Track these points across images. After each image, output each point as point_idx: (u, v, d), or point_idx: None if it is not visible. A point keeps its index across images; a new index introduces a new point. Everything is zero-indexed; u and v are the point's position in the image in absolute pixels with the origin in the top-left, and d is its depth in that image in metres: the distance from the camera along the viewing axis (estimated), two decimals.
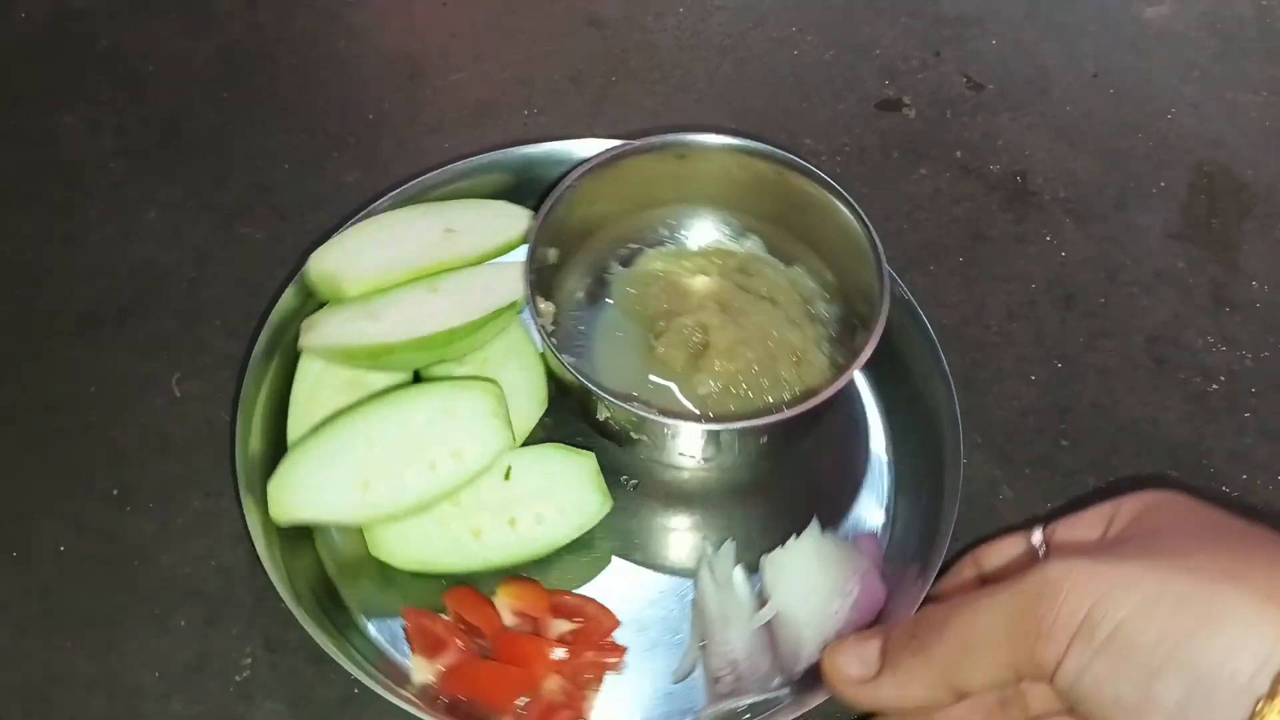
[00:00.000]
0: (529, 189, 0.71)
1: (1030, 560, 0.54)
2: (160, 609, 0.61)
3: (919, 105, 0.86)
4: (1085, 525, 0.52)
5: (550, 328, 0.62)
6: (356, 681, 0.56)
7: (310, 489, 0.57)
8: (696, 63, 0.88)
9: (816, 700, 0.53)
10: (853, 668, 0.48)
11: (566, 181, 0.65)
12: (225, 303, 0.73)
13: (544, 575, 0.61)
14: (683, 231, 0.71)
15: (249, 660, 0.59)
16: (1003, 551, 0.56)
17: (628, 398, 0.61)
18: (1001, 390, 0.71)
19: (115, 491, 0.65)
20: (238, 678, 0.59)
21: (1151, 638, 0.39)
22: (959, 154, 0.83)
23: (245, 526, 0.57)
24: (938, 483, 0.61)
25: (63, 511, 0.64)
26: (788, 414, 0.58)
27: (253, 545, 0.57)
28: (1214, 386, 0.72)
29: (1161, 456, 0.68)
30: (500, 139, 0.77)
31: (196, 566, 0.62)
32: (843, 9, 0.93)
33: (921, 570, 0.57)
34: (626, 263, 0.70)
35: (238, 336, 0.71)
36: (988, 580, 0.56)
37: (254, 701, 0.58)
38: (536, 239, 0.63)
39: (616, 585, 0.61)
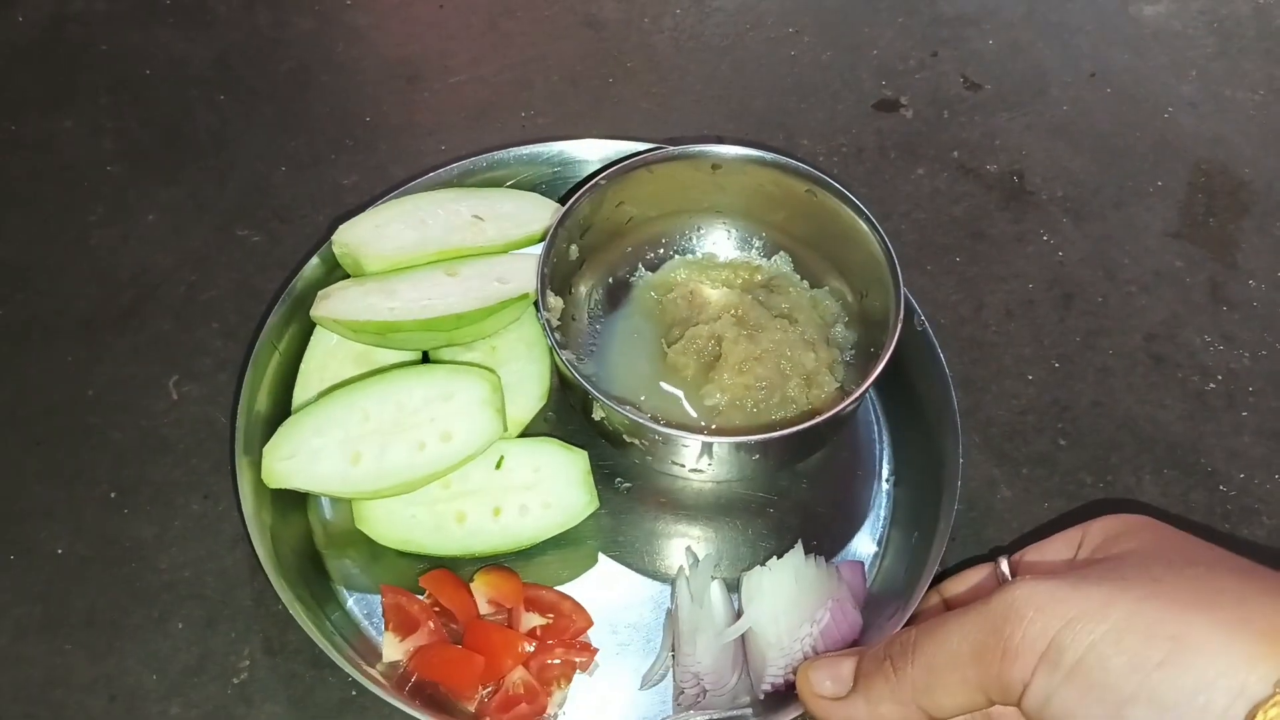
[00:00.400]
0: (564, 185, 0.72)
1: (995, 585, 0.54)
2: (159, 611, 0.61)
3: (917, 105, 0.86)
4: (1053, 550, 0.52)
5: (556, 323, 0.62)
6: (355, 684, 0.57)
7: (303, 456, 0.58)
8: (694, 64, 0.88)
9: None
10: (826, 685, 0.49)
11: (594, 180, 0.65)
12: (224, 305, 0.73)
13: (526, 567, 0.61)
14: (712, 242, 0.71)
15: (247, 663, 0.59)
16: (968, 580, 0.56)
17: (623, 401, 0.61)
18: (1000, 389, 0.71)
19: (114, 494, 0.65)
20: (236, 680, 0.59)
21: (1121, 665, 0.39)
22: (956, 154, 0.83)
23: (245, 528, 0.57)
24: (931, 523, 0.60)
25: (62, 514, 0.64)
26: (777, 434, 0.58)
27: (252, 548, 0.57)
28: (1212, 385, 0.71)
29: (1160, 455, 0.68)
30: (498, 141, 0.77)
31: (195, 569, 0.62)
32: (840, 10, 0.93)
33: (901, 606, 0.56)
34: (653, 268, 0.71)
35: (236, 339, 0.71)
36: (952, 606, 0.56)
37: (253, 704, 0.58)
38: (556, 233, 0.63)
39: (596, 585, 0.62)
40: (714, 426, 0.63)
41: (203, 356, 0.70)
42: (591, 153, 0.72)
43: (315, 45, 0.88)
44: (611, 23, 0.91)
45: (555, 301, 0.63)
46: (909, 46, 0.90)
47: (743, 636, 0.57)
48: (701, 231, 0.71)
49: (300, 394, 0.63)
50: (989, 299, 0.75)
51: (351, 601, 0.61)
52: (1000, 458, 0.68)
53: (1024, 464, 0.68)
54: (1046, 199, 0.81)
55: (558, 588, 0.61)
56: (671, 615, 0.60)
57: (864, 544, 0.64)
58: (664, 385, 0.65)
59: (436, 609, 0.59)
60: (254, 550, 0.57)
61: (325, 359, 0.64)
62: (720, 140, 0.82)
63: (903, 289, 0.61)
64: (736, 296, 0.68)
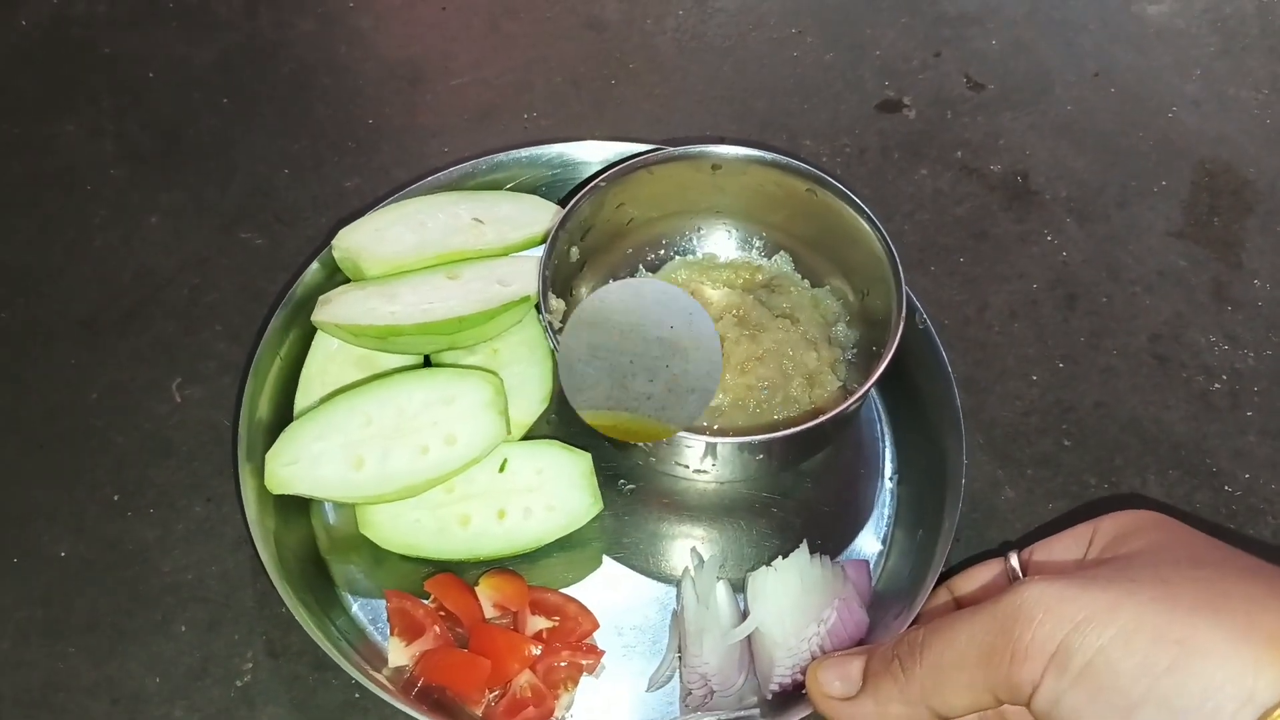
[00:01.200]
0: (564, 187, 0.72)
1: (1005, 583, 0.54)
2: (162, 614, 0.61)
3: (919, 105, 0.86)
4: (1063, 547, 0.52)
5: (558, 325, 0.62)
6: (358, 686, 0.57)
7: (305, 462, 0.58)
8: (696, 65, 0.88)
9: None
10: (835, 685, 0.49)
11: (595, 182, 0.65)
12: (226, 308, 0.73)
13: (531, 570, 0.61)
14: (713, 243, 0.71)
15: (250, 665, 0.59)
16: (977, 577, 0.56)
17: None
18: (1004, 390, 0.71)
19: (117, 497, 0.65)
20: (239, 683, 0.59)
21: (1130, 669, 0.39)
22: (960, 154, 0.83)
23: (247, 530, 0.57)
24: (936, 521, 0.60)
25: (64, 517, 0.64)
26: (781, 434, 0.57)
27: (255, 550, 0.57)
28: (1217, 385, 0.71)
29: (1165, 456, 0.68)
30: (500, 143, 0.77)
31: (198, 572, 0.62)
32: (842, 10, 0.93)
33: (906, 605, 0.56)
34: (654, 269, 0.70)
35: (239, 342, 0.71)
36: (963, 604, 0.56)
37: (255, 706, 0.58)
38: (557, 235, 0.63)
39: (601, 587, 0.62)
40: (716, 427, 0.63)
41: (205, 359, 0.70)
42: (591, 154, 0.72)
43: (317, 47, 0.88)
44: (613, 24, 0.91)
45: (557, 304, 0.63)
46: (912, 46, 0.90)
47: (749, 637, 0.57)
48: (702, 232, 0.71)
49: (302, 399, 0.63)
50: (992, 299, 0.75)
51: (356, 607, 0.60)
52: (1004, 459, 0.68)
53: (1028, 465, 0.68)
54: (1050, 199, 0.80)
55: (563, 590, 0.61)
56: (677, 616, 0.60)
57: (869, 543, 0.64)
58: None
59: (442, 613, 0.58)
60: (257, 553, 0.57)
61: (326, 364, 0.64)
62: (723, 141, 0.82)
63: (904, 287, 0.61)
64: (738, 297, 0.68)
